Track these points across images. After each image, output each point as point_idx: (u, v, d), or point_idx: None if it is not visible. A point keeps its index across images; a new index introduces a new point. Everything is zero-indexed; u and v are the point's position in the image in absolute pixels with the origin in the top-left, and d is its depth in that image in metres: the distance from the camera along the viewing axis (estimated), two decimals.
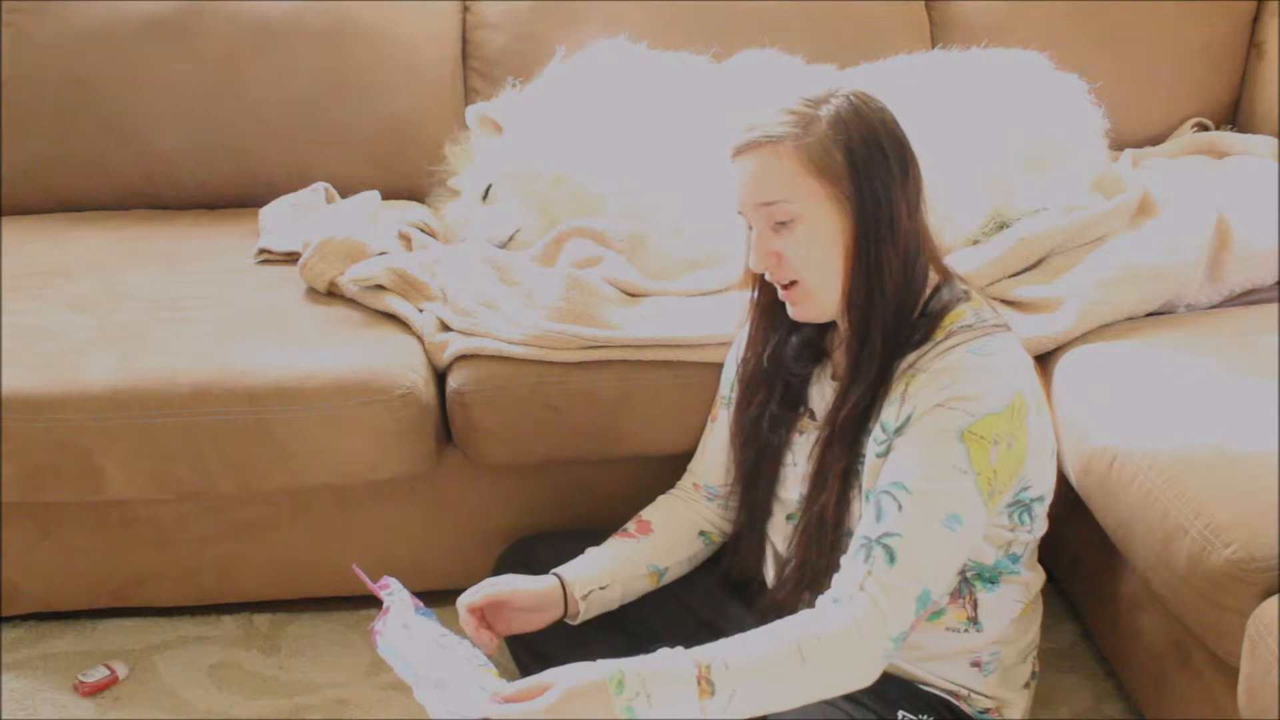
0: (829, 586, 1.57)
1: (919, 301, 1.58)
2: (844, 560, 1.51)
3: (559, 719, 1.40)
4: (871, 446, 1.56)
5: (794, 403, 1.71)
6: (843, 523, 1.61)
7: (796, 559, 1.65)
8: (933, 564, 1.49)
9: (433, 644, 1.55)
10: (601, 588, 1.73)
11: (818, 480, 1.62)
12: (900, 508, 1.48)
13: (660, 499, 1.87)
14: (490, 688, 1.46)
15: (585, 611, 1.72)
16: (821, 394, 1.68)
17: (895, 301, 1.55)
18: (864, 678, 1.47)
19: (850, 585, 1.47)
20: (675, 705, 1.41)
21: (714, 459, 1.83)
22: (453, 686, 1.47)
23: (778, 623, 1.49)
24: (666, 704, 1.41)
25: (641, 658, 1.45)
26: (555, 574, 1.72)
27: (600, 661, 1.44)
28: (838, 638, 1.45)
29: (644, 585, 1.78)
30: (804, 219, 1.53)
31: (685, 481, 1.88)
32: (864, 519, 1.52)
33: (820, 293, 1.58)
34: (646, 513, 1.85)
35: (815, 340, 1.70)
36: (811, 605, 1.62)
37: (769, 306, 1.68)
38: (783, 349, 1.70)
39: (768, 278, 1.61)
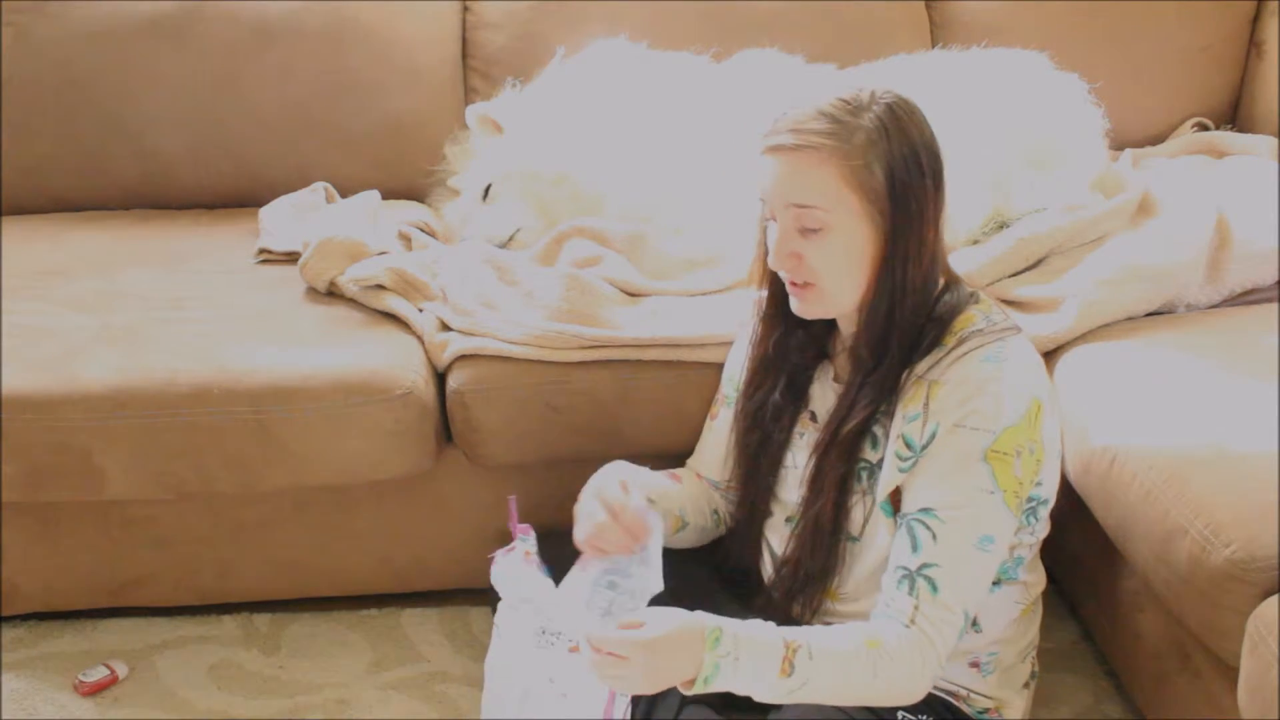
0: (823, 589, 1.59)
1: (928, 306, 1.57)
2: (886, 585, 1.53)
3: (651, 654, 1.41)
4: (893, 461, 1.55)
5: (796, 395, 1.70)
6: (840, 527, 1.61)
7: (793, 561, 1.65)
8: (972, 587, 1.52)
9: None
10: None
11: (815, 485, 1.62)
12: (935, 537, 1.50)
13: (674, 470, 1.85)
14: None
15: None
16: (823, 394, 1.68)
17: (912, 314, 1.55)
18: (914, 698, 1.51)
19: (903, 616, 1.49)
20: (756, 676, 1.44)
21: (713, 455, 1.82)
22: (565, 607, 1.49)
23: (853, 627, 1.52)
24: (751, 672, 1.44)
25: (738, 621, 1.47)
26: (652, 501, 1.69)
27: (699, 613, 1.46)
28: (904, 662, 1.48)
29: (669, 528, 1.74)
30: (834, 228, 1.51)
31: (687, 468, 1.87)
32: (898, 547, 1.53)
33: (835, 298, 1.57)
34: (672, 470, 1.83)
35: (821, 336, 1.69)
36: (805, 605, 1.64)
37: (774, 313, 1.67)
38: (786, 343, 1.69)
39: (782, 275, 1.59)
